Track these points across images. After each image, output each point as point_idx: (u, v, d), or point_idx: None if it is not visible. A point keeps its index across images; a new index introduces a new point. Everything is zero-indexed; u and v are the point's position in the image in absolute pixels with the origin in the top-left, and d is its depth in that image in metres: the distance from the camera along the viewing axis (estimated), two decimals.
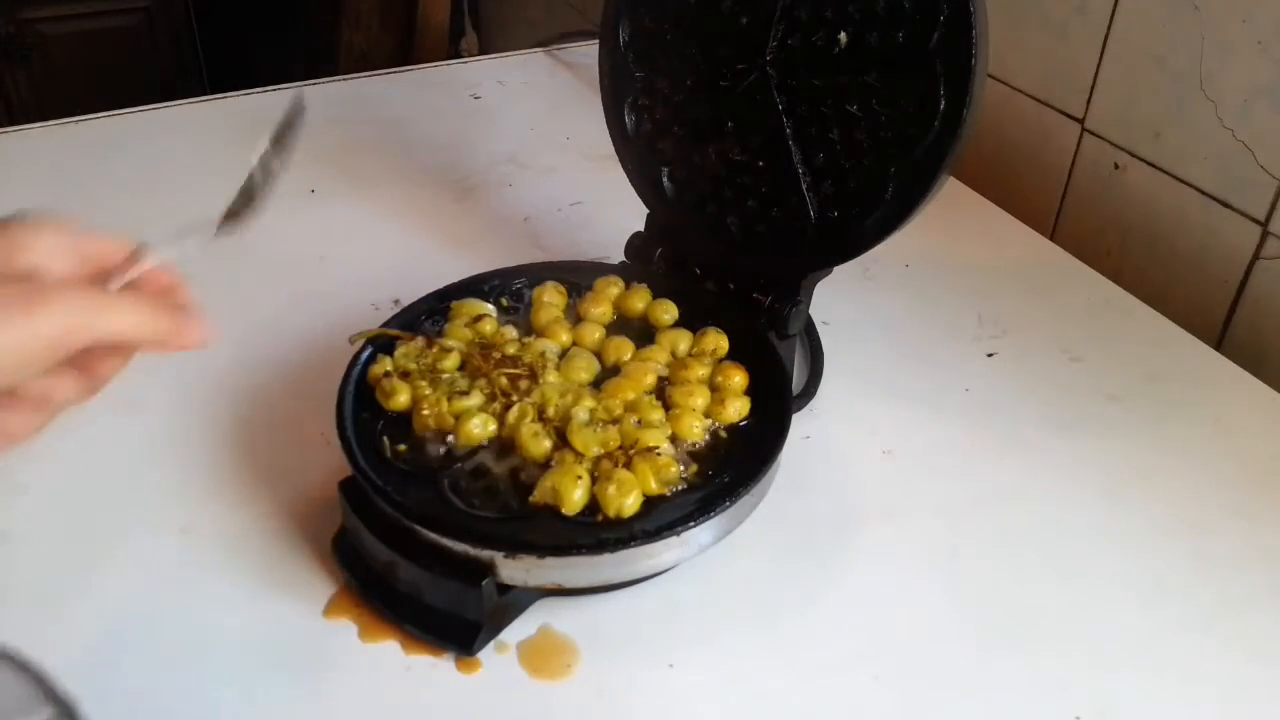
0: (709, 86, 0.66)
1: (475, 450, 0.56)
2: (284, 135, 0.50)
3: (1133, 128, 0.85)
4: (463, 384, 0.58)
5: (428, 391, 0.57)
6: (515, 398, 0.57)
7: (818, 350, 0.72)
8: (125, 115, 1.02)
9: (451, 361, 0.59)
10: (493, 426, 0.56)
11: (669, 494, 0.53)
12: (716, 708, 0.51)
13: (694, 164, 0.69)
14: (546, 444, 0.55)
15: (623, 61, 0.70)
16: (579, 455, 0.54)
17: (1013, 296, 0.81)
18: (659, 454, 0.54)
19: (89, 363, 0.44)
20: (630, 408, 0.57)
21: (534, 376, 0.58)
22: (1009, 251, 0.88)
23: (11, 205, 0.90)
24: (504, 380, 0.58)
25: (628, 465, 0.53)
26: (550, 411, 0.56)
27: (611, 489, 0.52)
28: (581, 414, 0.56)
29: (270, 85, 1.10)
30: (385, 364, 0.60)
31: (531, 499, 0.53)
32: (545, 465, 0.54)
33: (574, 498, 0.52)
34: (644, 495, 0.52)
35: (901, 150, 0.59)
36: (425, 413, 0.56)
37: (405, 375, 0.59)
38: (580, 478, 0.52)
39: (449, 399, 0.57)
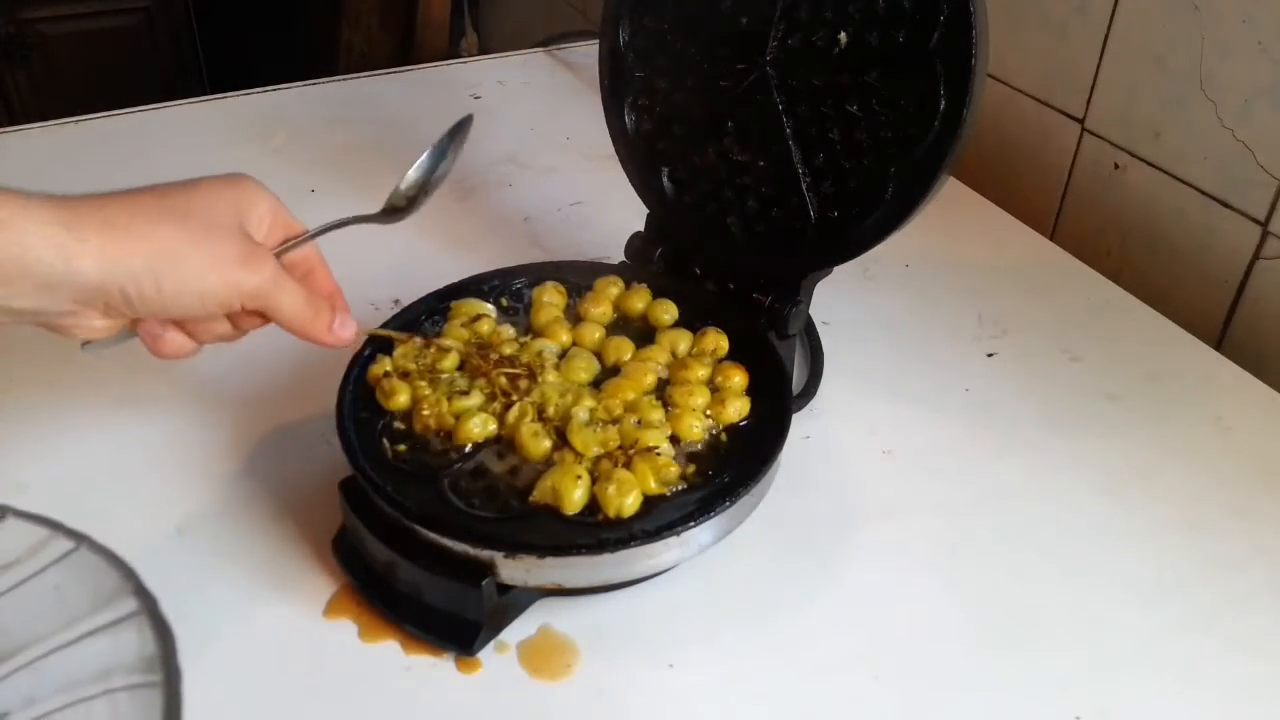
0: (709, 86, 0.66)
1: (475, 450, 0.56)
2: (454, 143, 0.58)
3: (1133, 128, 0.85)
4: (462, 384, 0.58)
5: (427, 391, 0.57)
6: (515, 398, 0.57)
7: (818, 350, 0.72)
8: (125, 115, 1.02)
9: (450, 362, 0.59)
10: (493, 426, 0.56)
11: (669, 494, 0.53)
12: (716, 708, 0.51)
13: (694, 164, 0.69)
14: (546, 444, 0.55)
15: (623, 61, 0.70)
16: (579, 455, 0.54)
17: (1013, 296, 0.81)
18: (659, 454, 0.54)
19: (238, 317, 0.53)
20: (630, 408, 0.57)
21: (533, 376, 0.58)
22: (1009, 251, 0.88)
23: None
24: (504, 380, 0.58)
25: (627, 465, 0.53)
26: (550, 411, 0.56)
27: (611, 489, 0.52)
28: (581, 414, 0.56)
29: (270, 85, 1.10)
30: (385, 364, 0.60)
31: (531, 499, 0.53)
32: (545, 465, 0.54)
33: (574, 497, 0.52)
34: (644, 495, 0.52)
35: (901, 150, 0.59)
36: (425, 413, 0.56)
37: (405, 375, 0.59)
38: (580, 478, 0.52)
39: (449, 399, 0.57)
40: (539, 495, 0.53)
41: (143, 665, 0.42)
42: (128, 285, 0.47)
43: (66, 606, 0.44)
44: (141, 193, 0.50)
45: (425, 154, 0.58)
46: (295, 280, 0.54)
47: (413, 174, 0.58)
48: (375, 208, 0.91)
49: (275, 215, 0.54)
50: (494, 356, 0.59)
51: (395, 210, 0.58)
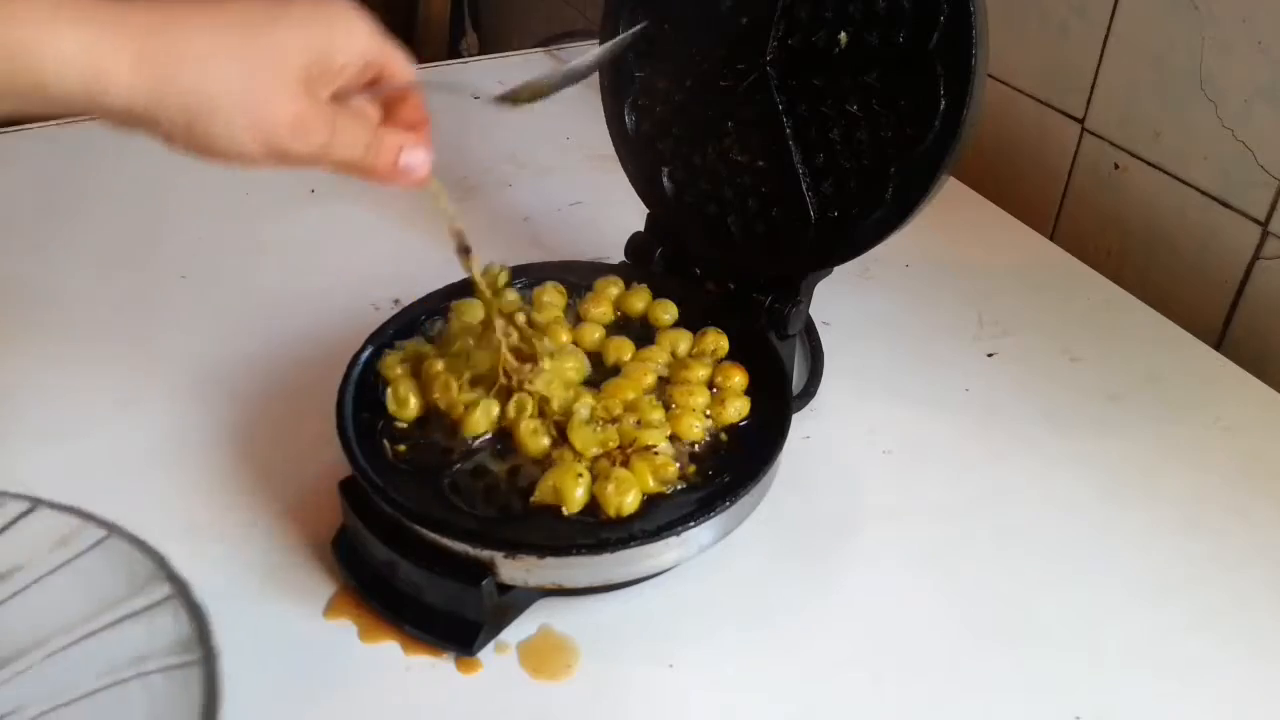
0: (709, 86, 0.66)
1: (475, 450, 0.56)
2: (613, 50, 0.54)
3: (1133, 128, 0.85)
4: (480, 358, 0.57)
5: (439, 368, 0.57)
6: (517, 380, 0.56)
7: (818, 350, 0.72)
8: None
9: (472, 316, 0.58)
10: (496, 411, 0.56)
11: (668, 492, 0.53)
12: (716, 708, 0.51)
13: (694, 164, 0.69)
14: (545, 441, 0.55)
15: (623, 61, 0.70)
16: (578, 454, 0.54)
17: (1013, 296, 0.81)
18: (657, 453, 0.54)
19: None
20: (630, 408, 0.57)
21: (535, 360, 0.57)
22: (1009, 251, 0.88)
23: (12, 206, 0.90)
24: (511, 360, 0.56)
25: (625, 464, 0.53)
26: (554, 405, 0.56)
27: (611, 488, 0.52)
28: (583, 411, 0.56)
29: None
30: (396, 356, 0.59)
31: (533, 500, 0.53)
32: (544, 462, 0.54)
33: (575, 496, 0.52)
34: (643, 494, 0.52)
35: (901, 150, 0.59)
36: (436, 395, 0.56)
37: (419, 363, 0.58)
38: (581, 476, 0.52)
39: (459, 388, 0.56)
40: (540, 496, 0.53)
41: (177, 647, 0.43)
42: (158, 123, 0.43)
43: (99, 593, 0.45)
44: (202, 9, 0.44)
45: (583, 57, 0.53)
46: (374, 108, 0.49)
47: (559, 73, 0.52)
48: (377, 206, 0.91)
49: (369, 55, 0.47)
50: (520, 318, 0.57)
51: (514, 101, 0.52)
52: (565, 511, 0.52)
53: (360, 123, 0.48)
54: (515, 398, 0.56)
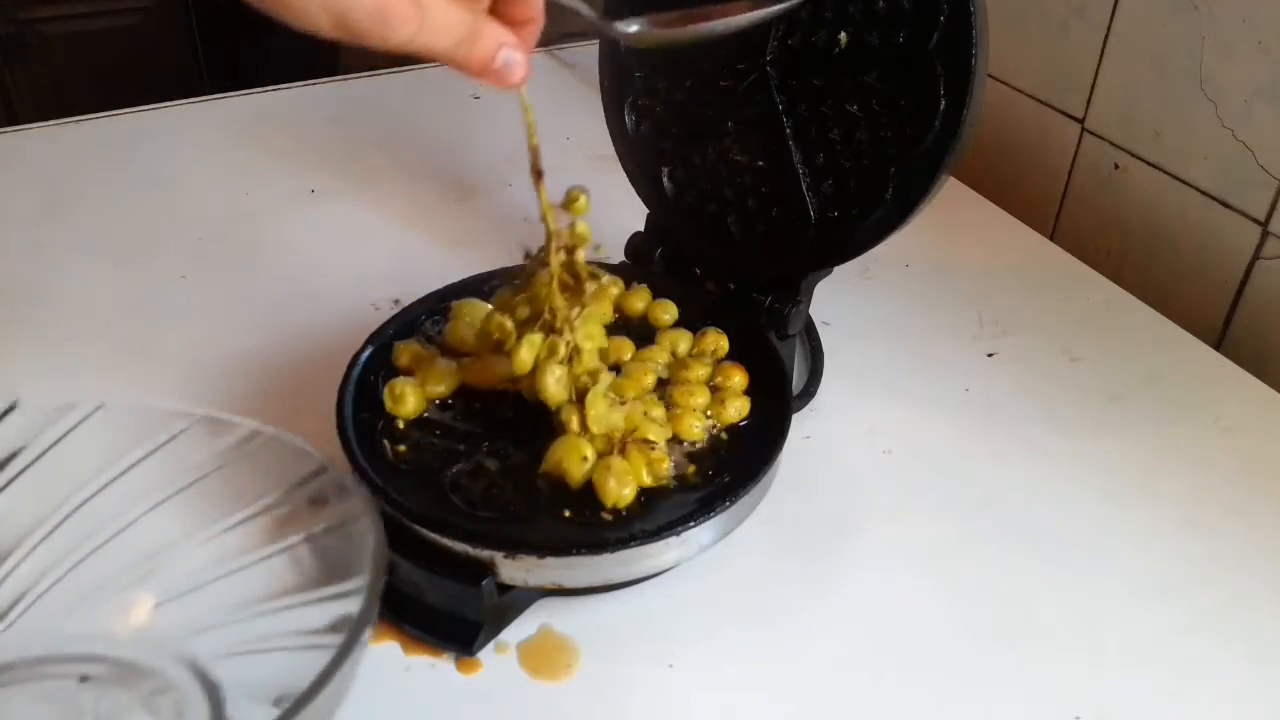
0: (709, 86, 0.66)
1: (475, 450, 0.56)
2: (763, 18, 0.52)
3: (1133, 128, 0.85)
4: (537, 287, 0.56)
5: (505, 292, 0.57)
6: (562, 320, 0.55)
7: (818, 350, 0.72)
8: (125, 115, 1.02)
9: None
10: (539, 343, 0.55)
11: (670, 486, 0.53)
12: (716, 708, 0.51)
13: (694, 164, 0.69)
14: (563, 394, 0.54)
15: (623, 61, 0.70)
16: (584, 428, 0.54)
17: (1013, 296, 0.81)
18: (653, 448, 0.54)
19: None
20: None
21: (578, 298, 0.56)
22: (1009, 251, 0.88)
23: (12, 206, 0.90)
24: (559, 299, 0.55)
25: (622, 452, 0.53)
26: (583, 361, 0.55)
27: (612, 482, 0.52)
28: (605, 381, 0.55)
29: (270, 85, 1.10)
30: (412, 348, 0.59)
31: (541, 470, 0.53)
32: (549, 431, 0.54)
33: (578, 475, 0.52)
34: (639, 489, 0.53)
35: (901, 150, 0.59)
36: (491, 325, 0.56)
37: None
38: (586, 459, 0.52)
39: (514, 321, 0.55)
40: (546, 465, 0.53)
41: (336, 516, 0.47)
42: None
43: (267, 482, 0.50)
44: None
45: (728, 18, 0.50)
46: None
47: (695, 27, 0.49)
48: (376, 206, 0.91)
49: None
50: (581, 255, 0.56)
51: (640, 40, 0.50)
52: (568, 487, 0.53)
53: (459, 9, 0.43)
54: (549, 339, 0.54)
